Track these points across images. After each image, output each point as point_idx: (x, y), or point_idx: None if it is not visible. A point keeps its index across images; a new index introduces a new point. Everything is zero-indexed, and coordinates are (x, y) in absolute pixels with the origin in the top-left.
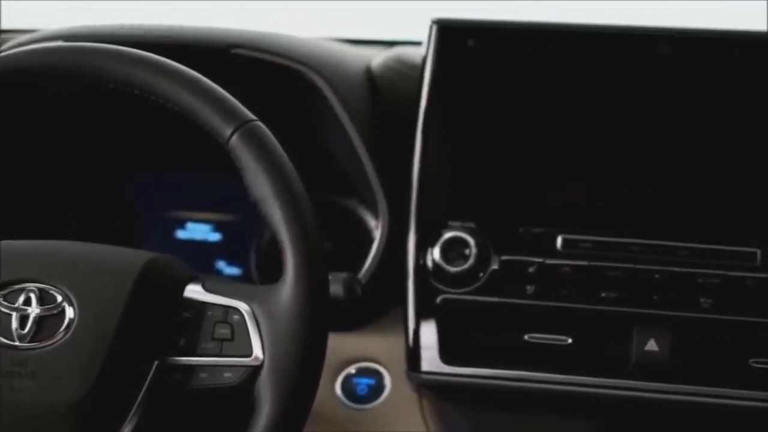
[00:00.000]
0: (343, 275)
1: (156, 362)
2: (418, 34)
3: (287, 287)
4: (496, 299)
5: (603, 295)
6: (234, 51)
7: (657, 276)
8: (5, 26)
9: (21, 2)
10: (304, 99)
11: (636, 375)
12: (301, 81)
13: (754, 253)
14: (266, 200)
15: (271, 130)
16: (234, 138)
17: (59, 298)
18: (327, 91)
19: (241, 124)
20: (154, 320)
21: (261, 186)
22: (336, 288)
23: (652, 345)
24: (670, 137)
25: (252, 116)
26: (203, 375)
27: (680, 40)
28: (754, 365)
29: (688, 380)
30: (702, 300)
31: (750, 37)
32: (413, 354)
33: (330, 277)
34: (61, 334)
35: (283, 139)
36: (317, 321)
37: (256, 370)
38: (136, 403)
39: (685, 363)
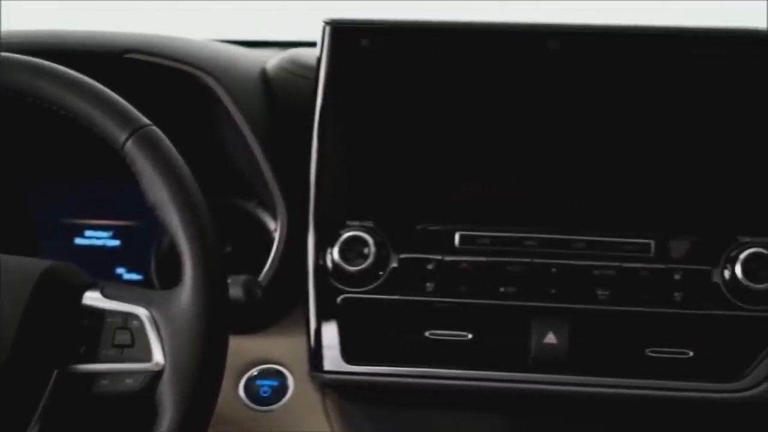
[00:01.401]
0: (242, 278)
1: (56, 371)
2: (314, 34)
3: (186, 291)
4: (396, 297)
5: (501, 289)
6: (127, 56)
7: (554, 269)
8: (5, 26)
9: (21, 2)
10: (200, 102)
11: (535, 368)
12: (195, 84)
13: (648, 244)
14: (163, 205)
15: (167, 134)
16: (129, 143)
17: None
18: (222, 94)
19: (136, 129)
20: (52, 329)
21: (157, 191)
22: (235, 291)
23: (550, 338)
24: (563, 131)
25: (146, 121)
26: (104, 382)
27: (568, 36)
28: (651, 354)
29: (586, 371)
30: (598, 292)
31: (636, 32)
32: (315, 354)
33: (229, 280)
34: None
35: (180, 142)
36: (217, 324)
37: (157, 375)
38: (38, 412)
39: (583, 354)
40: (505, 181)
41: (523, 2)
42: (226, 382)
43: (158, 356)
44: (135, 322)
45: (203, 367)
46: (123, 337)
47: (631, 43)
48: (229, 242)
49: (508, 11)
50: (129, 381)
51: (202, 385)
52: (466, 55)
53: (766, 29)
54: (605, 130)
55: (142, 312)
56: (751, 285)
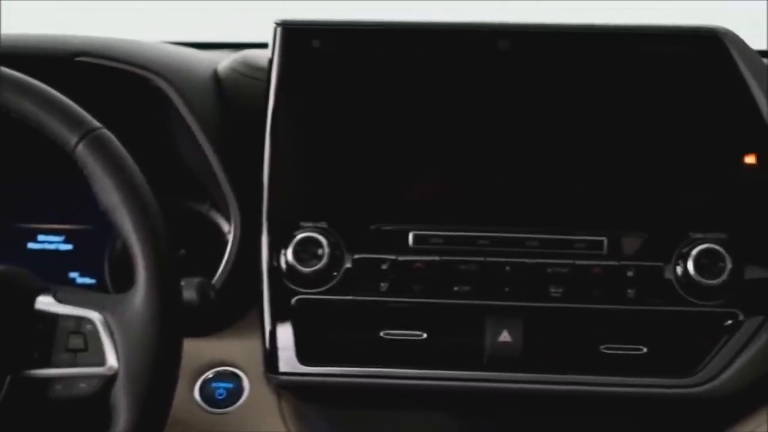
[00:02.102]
0: (196, 280)
1: (9, 376)
2: (266, 36)
3: (139, 295)
4: (350, 297)
5: (455, 288)
6: (78, 59)
7: (507, 268)
8: (5, 26)
9: (21, 2)
10: (152, 104)
11: (490, 366)
12: (147, 86)
13: (601, 242)
14: (115, 208)
15: (120, 136)
16: (80, 147)
17: None
18: (173, 97)
19: (87, 133)
20: (5, 334)
21: (109, 194)
22: (189, 293)
23: (505, 336)
24: (514, 130)
25: (97, 124)
26: (58, 387)
27: (518, 35)
28: (605, 351)
29: (541, 369)
30: (552, 289)
31: (585, 30)
32: (270, 356)
33: (183, 283)
34: None
35: (133, 145)
36: (170, 327)
37: (111, 379)
38: None
39: (537, 352)
40: (458, 181)
41: (487, 3)
42: (181, 385)
43: (112, 360)
44: (88, 326)
45: (157, 371)
46: (76, 342)
47: (580, 42)
48: (183, 245)
49: (471, 11)
50: (83, 385)
51: (156, 388)
52: (418, 55)
53: (713, 27)
54: (556, 128)
55: (95, 316)
56: (703, 281)
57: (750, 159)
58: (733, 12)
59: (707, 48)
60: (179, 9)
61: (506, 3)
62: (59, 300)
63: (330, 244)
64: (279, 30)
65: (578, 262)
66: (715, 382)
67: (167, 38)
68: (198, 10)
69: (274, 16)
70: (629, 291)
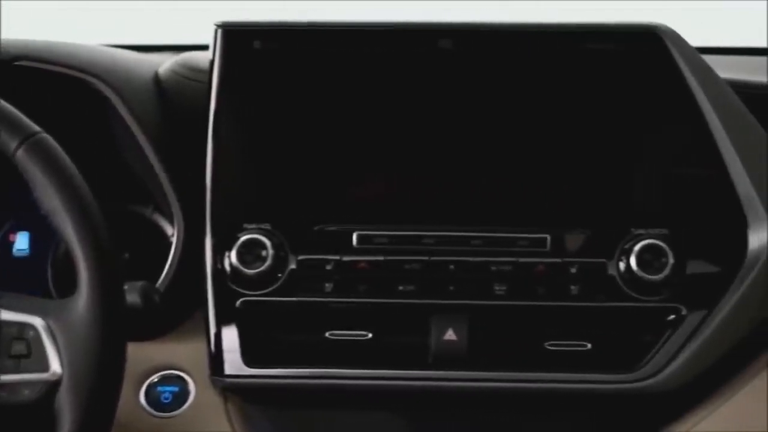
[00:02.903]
0: (139, 284)
1: None
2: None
3: (82, 299)
4: (295, 299)
5: (400, 288)
6: (18, 63)
7: (452, 266)
8: (5, 26)
9: (21, 2)
10: (93, 108)
11: (435, 365)
12: (88, 90)
13: (544, 239)
14: (56, 213)
15: (61, 140)
16: (20, 152)
17: None
18: (114, 99)
19: (27, 137)
20: None
21: (50, 198)
22: (133, 297)
23: (450, 334)
24: (457, 129)
25: (37, 128)
26: (2, 393)
27: (460, 34)
28: (549, 348)
29: (486, 367)
30: (496, 287)
31: (525, 29)
32: (216, 358)
33: (126, 287)
34: None
35: (74, 149)
36: (114, 331)
37: (54, 384)
38: None
39: (482, 350)
40: (401, 180)
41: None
42: (126, 390)
43: (55, 366)
44: (31, 332)
45: (101, 375)
46: (19, 348)
47: (522, 40)
48: (127, 248)
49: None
50: (26, 392)
51: (100, 393)
52: (360, 55)
53: (653, 24)
54: (499, 126)
55: (38, 321)
56: (646, 276)
57: (690, 155)
58: (733, 12)
59: (647, 45)
60: (119, 11)
61: (456, 3)
62: (1, 306)
63: (274, 246)
64: (219, 32)
65: (522, 260)
66: (659, 377)
67: (107, 41)
68: (138, 12)
69: (215, 17)
70: (573, 287)
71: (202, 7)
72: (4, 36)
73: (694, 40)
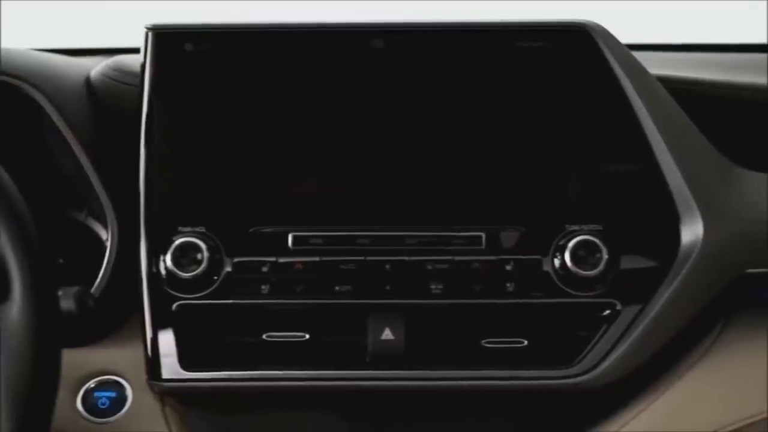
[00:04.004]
0: (74, 289)
1: None
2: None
3: (15, 306)
4: (231, 301)
5: (336, 288)
6: None
7: (388, 266)
8: (5, 26)
9: (21, 2)
10: (24, 113)
11: (373, 365)
12: (17, 94)
13: (480, 237)
14: None
15: None
16: None
17: None
18: (45, 104)
19: None
20: None
21: None
22: (67, 303)
23: (387, 334)
24: (391, 129)
25: None
26: None
27: (391, 33)
28: (486, 345)
29: (424, 365)
30: (432, 286)
31: (455, 28)
32: (153, 362)
33: (61, 293)
34: None
35: (6, 154)
36: (48, 337)
37: None
38: None
39: (420, 349)
40: (336, 181)
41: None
42: (62, 396)
43: None
44: None
45: (36, 382)
46: None
47: (453, 39)
48: (62, 254)
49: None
50: None
51: (36, 401)
52: (292, 56)
53: (583, 21)
54: (432, 125)
55: None
56: (581, 272)
57: (622, 151)
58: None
59: (577, 43)
60: (49, 15)
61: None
62: None
63: (209, 249)
64: (151, 34)
65: (457, 258)
66: (595, 372)
67: (37, 45)
68: (68, 15)
69: (147, 20)
70: (508, 285)
71: (134, 9)
72: None
73: (694, 37)
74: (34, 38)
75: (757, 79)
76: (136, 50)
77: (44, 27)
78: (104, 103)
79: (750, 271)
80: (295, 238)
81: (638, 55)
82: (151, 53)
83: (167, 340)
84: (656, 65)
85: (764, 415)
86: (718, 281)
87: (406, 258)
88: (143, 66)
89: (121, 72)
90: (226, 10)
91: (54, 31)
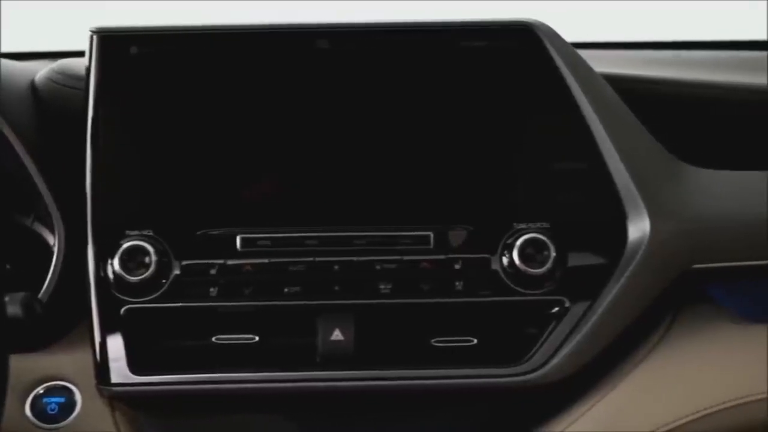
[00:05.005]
0: (20, 295)
1: None
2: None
3: None
4: (180, 304)
5: (285, 290)
6: None
7: (336, 267)
8: (5, 27)
9: (21, 2)
10: None
11: (323, 365)
12: None
13: (428, 236)
14: None
15: None
16: None
17: None
18: None
19: None
20: None
21: None
22: (14, 308)
23: (337, 334)
24: (338, 129)
25: None
26: None
27: (336, 34)
28: (436, 344)
29: (374, 365)
30: (381, 286)
31: (401, 28)
32: (101, 367)
33: (7, 298)
34: None
35: None
36: None
37: None
38: None
39: (370, 349)
40: (284, 182)
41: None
42: (10, 403)
43: None
44: None
45: None
46: None
47: (397, 39)
48: (8, 259)
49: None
50: None
51: None
52: (237, 57)
53: (527, 20)
54: (379, 126)
55: None
56: (529, 270)
57: (569, 149)
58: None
59: (522, 41)
60: None
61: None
62: None
63: (157, 252)
64: (95, 38)
65: (406, 258)
66: (544, 370)
67: None
68: (11, 18)
69: (92, 23)
70: (457, 283)
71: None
72: None
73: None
74: None
75: (731, 77)
76: (81, 53)
77: None
78: (50, 107)
79: (697, 266)
80: (243, 240)
81: (607, 54)
82: (96, 57)
83: (116, 345)
84: (623, 64)
85: (709, 411)
86: (665, 277)
87: (355, 258)
88: (88, 69)
89: (67, 75)
90: (170, 11)
91: None
